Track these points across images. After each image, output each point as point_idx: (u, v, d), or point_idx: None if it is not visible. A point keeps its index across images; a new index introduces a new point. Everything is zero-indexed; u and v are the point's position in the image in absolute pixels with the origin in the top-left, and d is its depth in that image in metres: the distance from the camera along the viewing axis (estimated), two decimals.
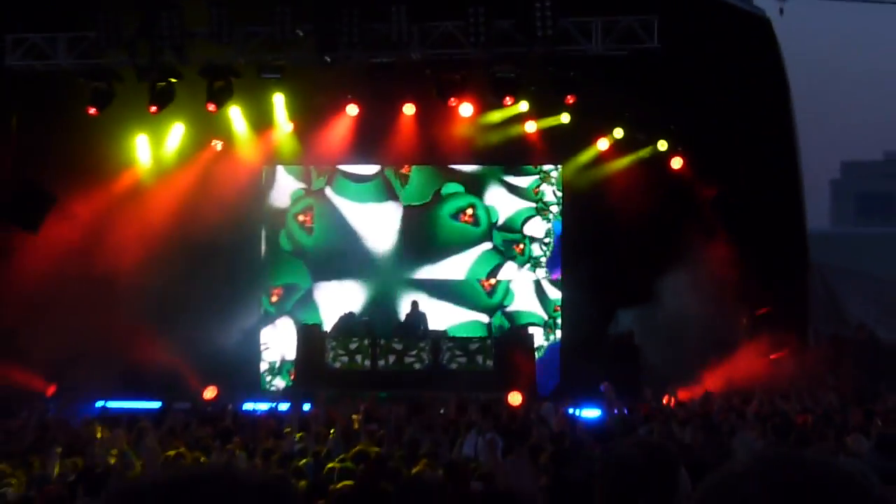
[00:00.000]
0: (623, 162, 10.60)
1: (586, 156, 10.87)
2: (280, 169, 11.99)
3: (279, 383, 11.48)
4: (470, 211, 11.83)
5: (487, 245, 11.78)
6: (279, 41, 9.35)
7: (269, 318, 11.81)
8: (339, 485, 3.88)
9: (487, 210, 11.80)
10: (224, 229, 10.46)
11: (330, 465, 4.85)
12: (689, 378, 9.32)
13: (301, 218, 11.94)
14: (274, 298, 11.88)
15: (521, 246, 11.74)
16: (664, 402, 8.70)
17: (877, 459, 3.92)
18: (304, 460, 5.40)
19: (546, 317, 11.56)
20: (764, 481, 0.65)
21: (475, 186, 11.85)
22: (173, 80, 9.63)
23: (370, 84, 9.84)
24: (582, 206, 11.20)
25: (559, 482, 4.09)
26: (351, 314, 10.75)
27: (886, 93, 74.88)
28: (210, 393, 9.78)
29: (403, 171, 11.87)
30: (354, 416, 7.19)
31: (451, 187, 11.86)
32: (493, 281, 11.69)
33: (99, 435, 6.88)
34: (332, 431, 6.44)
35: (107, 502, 0.97)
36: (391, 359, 10.13)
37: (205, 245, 10.40)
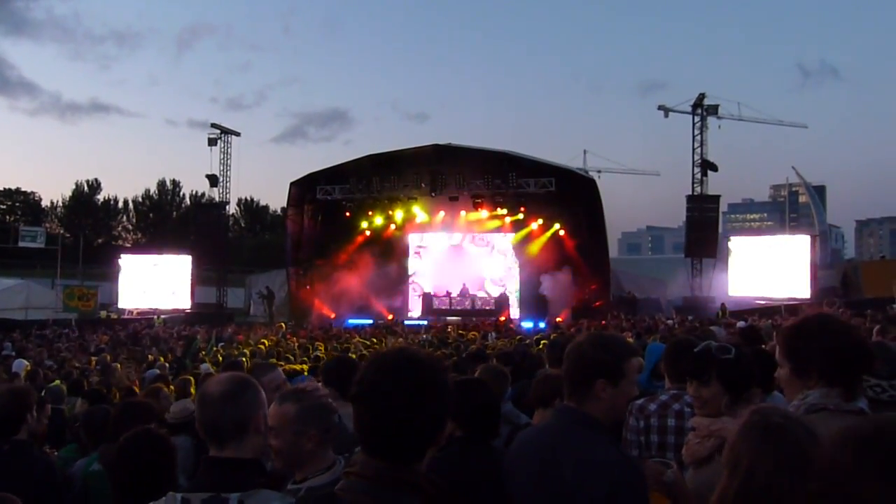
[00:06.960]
0: (545, 237, 27.47)
1: (528, 230, 27.75)
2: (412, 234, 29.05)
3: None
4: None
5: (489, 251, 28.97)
6: (416, 185, 26.37)
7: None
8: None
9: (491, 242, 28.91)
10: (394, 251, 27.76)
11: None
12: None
13: (417, 250, 29.18)
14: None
15: (504, 256, 28.85)
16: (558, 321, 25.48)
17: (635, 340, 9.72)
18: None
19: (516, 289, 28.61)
20: None
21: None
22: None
23: (449, 204, 26.84)
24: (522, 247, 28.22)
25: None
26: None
27: None
28: (390, 316, 26.60)
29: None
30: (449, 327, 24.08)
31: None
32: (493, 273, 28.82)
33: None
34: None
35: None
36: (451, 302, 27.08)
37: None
